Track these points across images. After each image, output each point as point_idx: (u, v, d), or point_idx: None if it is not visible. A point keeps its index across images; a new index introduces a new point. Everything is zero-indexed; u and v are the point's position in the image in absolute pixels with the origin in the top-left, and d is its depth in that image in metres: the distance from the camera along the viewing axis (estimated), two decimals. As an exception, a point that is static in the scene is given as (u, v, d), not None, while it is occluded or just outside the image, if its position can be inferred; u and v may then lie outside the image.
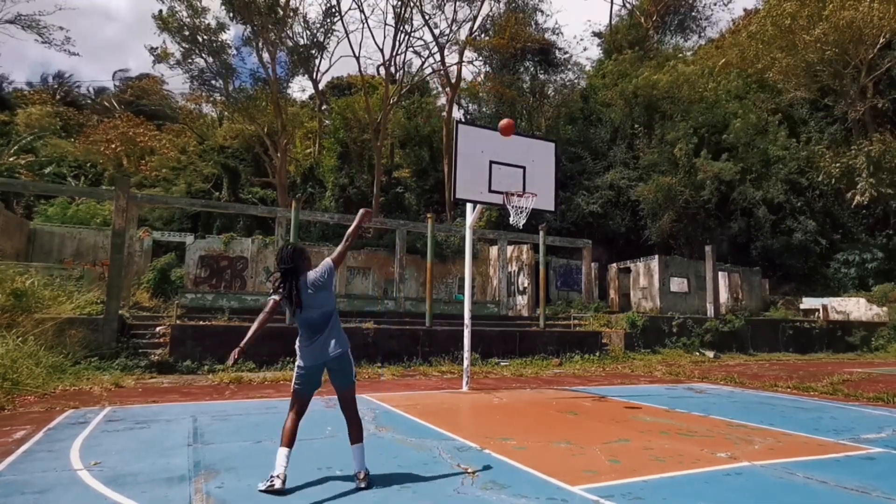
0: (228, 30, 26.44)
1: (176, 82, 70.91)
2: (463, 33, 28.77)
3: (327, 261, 3.96)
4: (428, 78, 33.65)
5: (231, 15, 25.13)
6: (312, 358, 3.81)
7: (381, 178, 28.37)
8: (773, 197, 25.77)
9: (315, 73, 29.54)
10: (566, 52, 32.09)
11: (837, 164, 24.49)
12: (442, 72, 30.79)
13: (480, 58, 30.96)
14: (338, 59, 57.27)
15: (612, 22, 40.02)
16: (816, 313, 22.17)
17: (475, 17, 28.69)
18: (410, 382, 10.08)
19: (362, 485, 3.76)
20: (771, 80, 28.18)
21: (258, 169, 32.07)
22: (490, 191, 8.92)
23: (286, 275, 3.78)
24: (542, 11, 31.61)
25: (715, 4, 50.19)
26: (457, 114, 32.27)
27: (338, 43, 36.87)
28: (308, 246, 20.64)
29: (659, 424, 6.21)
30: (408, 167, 33.28)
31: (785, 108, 29.19)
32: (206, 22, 25.23)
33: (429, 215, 15.29)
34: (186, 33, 24.98)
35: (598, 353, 14.99)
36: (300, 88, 66.32)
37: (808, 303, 23.41)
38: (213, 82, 27.34)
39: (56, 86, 44.74)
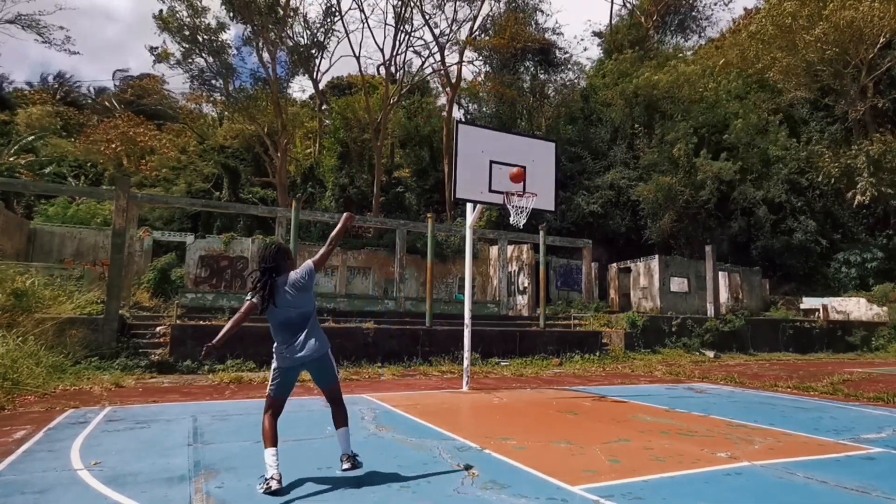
0: (228, 30, 26.48)
1: (176, 82, 70.96)
2: (463, 33, 28.83)
3: (308, 262, 3.96)
4: (428, 78, 33.67)
5: (231, 15, 25.13)
6: (291, 360, 3.81)
7: (382, 177, 28.37)
8: (774, 197, 25.77)
9: (315, 73, 29.57)
10: (566, 52, 32.14)
11: (837, 164, 24.49)
12: (442, 72, 30.80)
13: (480, 58, 31.00)
14: (338, 58, 57.36)
15: (613, 22, 40.04)
16: (816, 313, 22.17)
17: (475, 17, 28.72)
18: (410, 382, 10.08)
19: (346, 465, 3.83)
20: (771, 80, 28.19)
21: (258, 169, 32.08)
22: (490, 191, 8.92)
23: (265, 273, 3.80)
24: (542, 11, 31.65)
25: (715, 4, 50.12)
26: (457, 114, 32.31)
27: (338, 43, 36.89)
28: (308, 246, 20.65)
29: (659, 424, 6.21)
30: (408, 167, 33.28)
31: (785, 108, 29.20)
32: (207, 22, 25.25)
33: (429, 215, 15.29)
34: (186, 33, 24.98)
35: (598, 353, 14.98)
36: (300, 88, 66.44)
37: (808, 303, 23.41)
38: (214, 82, 27.35)
39: (56, 86, 44.74)
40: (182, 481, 3.85)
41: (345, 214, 4.24)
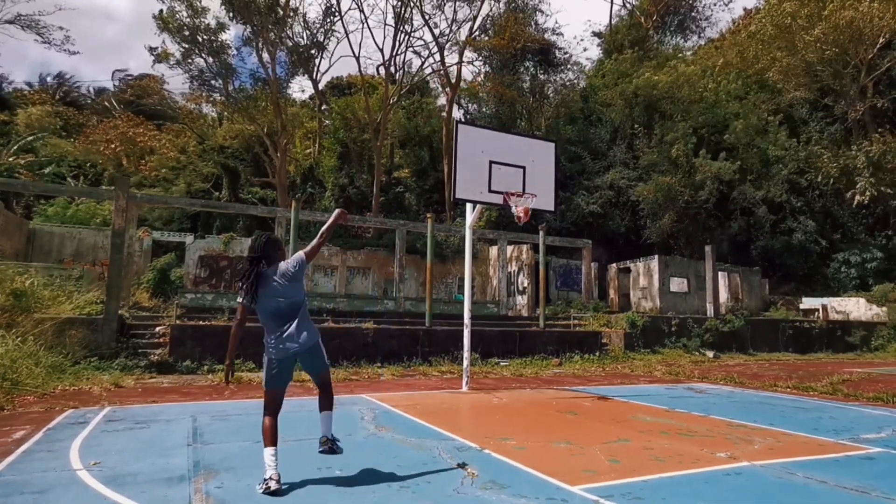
0: (228, 30, 26.46)
1: (176, 82, 70.95)
2: (463, 33, 28.81)
3: (300, 253, 3.99)
4: (428, 78, 33.66)
5: (231, 15, 25.13)
6: (283, 350, 3.82)
7: (381, 178, 28.37)
8: (774, 197, 25.78)
9: (315, 73, 29.56)
10: (566, 52, 32.13)
11: (835, 165, 24.52)
12: (442, 72, 30.79)
13: (480, 58, 30.98)
14: (338, 59, 57.27)
15: (612, 22, 40.04)
16: (816, 313, 22.18)
17: (475, 18, 28.71)
18: (410, 382, 10.08)
19: (323, 448, 3.91)
20: (771, 81, 28.20)
21: (258, 169, 32.06)
22: (490, 191, 8.92)
23: (252, 262, 3.82)
24: (542, 11, 31.62)
25: (715, 5, 50.32)
26: (457, 114, 32.31)
27: (338, 43, 36.87)
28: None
29: (659, 424, 6.21)
30: (408, 167, 33.28)
31: (785, 108, 29.21)
32: (206, 22, 25.23)
33: (429, 215, 15.29)
34: (186, 33, 24.97)
35: (597, 353, 14.99)
36: (300, 88, 66.44)
37: (807, 303, 23.41)
38: (213, 82, 27.33)
39: (56, 86, 44.73)
40: (182, 481, 3.85)
41: (337, 211, 4.26)
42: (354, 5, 28.23)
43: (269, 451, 3.65)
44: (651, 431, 5.79)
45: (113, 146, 30.79)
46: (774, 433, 5.83)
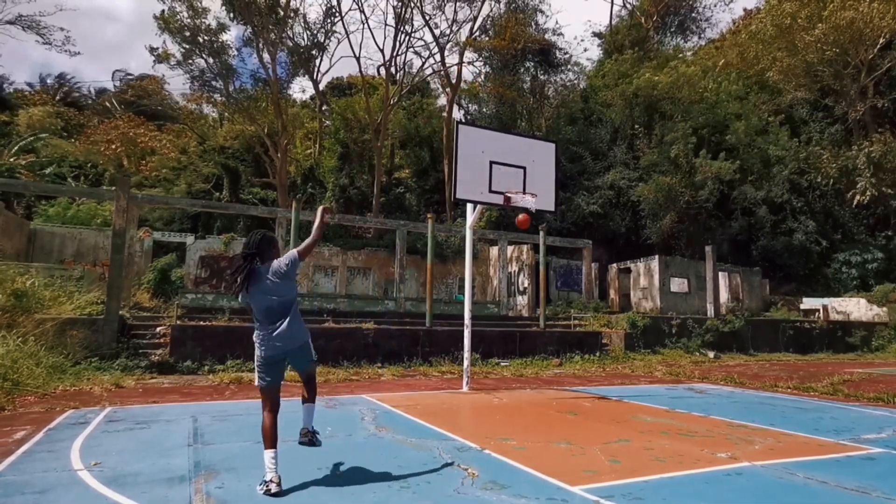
0: (229, 30, 26.47)
1: (176, 83, 71.03)
2: (463, 34, 28.81)
3: (293, 252, 4.00)
4: (428, 78, 33.65)
5: (231, 15, 25.14)
6: (273, 348, 3.84)
7: (382, 178, 28.38)
8: (774, 197, 25.77)
9: (315, 74, 29.58)
10: (566, 53, 32.11)
11: (834, 165, 24.52)
12: (442, 72, 30.80)
13: (481, 58, 30.97)
14: (338, 59, 57.32)
15: (613, 22, 40.04)
16: (817, 314, 22.16)
17: (475, 18, 28.71)
18: (410, 382, 10.08)
19: (303, 439, 3.98)
20: (771, 81, 28.19)
21: (258, 169, 32.07)
22: (490, 191, 8.92)
23: (246, 258, 3.84)
24: (542, 12, 31.57)
25: (715, 5, 50.24)
26: (457, 114, 32.30)
27: (338, 43, 36.76)
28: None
29: (659, 424, 6.21)
30: (408, 167, 33.28)
31: (785, 108, 29.20)
32: (207, 22, 25.24)
33: (429, 215, 15.29)
34: (187, 34, 24.99)
35: (598, 354, 14.98)
36: (300, 89, 66.34)
37: (808, 303, 23.40)
38: (214, 83, 27.34)
39: (56, 86, 44.77)
40: (182, 482, 3.85)
41: (320, 208, 4.27)
42: (355, 6, 28.26)
43: (269, 454, 3.65)
44: (651, 432, 5.79)
45: (114, 147, 30.82)
46: (775, 433, 5.83)
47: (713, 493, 3.79)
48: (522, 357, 13.79)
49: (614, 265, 24.62)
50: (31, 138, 29.99)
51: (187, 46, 25.38)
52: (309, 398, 4.21)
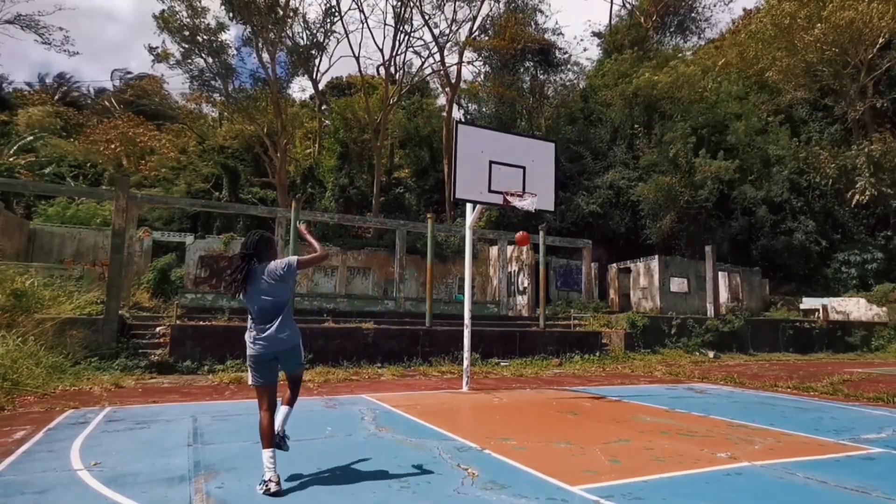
0: (228, 30, 26.45)
1: (176, 82, 70.99)
2: (463, 33, 28.80)
3: (294, 258, 4.05)
4: (428, 78, 33.65)
5: (231, 15, 25.12)
6: (261, 347, 3.88)
7: (381, 178, 28.37)
8: (774, 197, 25.77)
9: (315, 74, 29.56)
10: (566, 53, 32.13)
11: (833, 165, 24.53)
12: (442, 72, 30.78)
13: (480, 58, 30.98)
14: (338, 59, 57.18)
15: (612, 22, 40.05)
16: (816, 313, 22.17)
17: (475, 18, 28.69)
18: (410, 382, 10.08)
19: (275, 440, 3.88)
20: (771, 81, 28.19)
21: (258, 169, 32.06)
22: (490, 191, 8.92)
23: (244, 259, 3.89)
24: (542, 12, 31.57)
25: (715, 5, 50.33)
26: (457, 114, 32.30)
27: (338, 43, 36.79)
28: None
29: (659, 424, 6.21)
30: (408, 167, 33.27)
31: (785, 108, 29.21)
32: (206, 22, 25.22)
33: (429, 215, 15.28)
34: (186, 33, 24.97)
35: (598, 354, 14.98)
36: (300, 88, 66.28)
37: (808, 303, 23.41)
38: (213, 82, 27.33)
39: (56, 86, 44.74)
40: (182, 482, 3.85)
41: (298, 228, 4.31)
42: (354, 5, 28.18)
43: (267, 453, 3.66)
44: (651, 431, 5.79)
45: (113, 146, 30.80)
46: (775, 433, 5.83)
47: (713, 492, 3.79)
48: (522, 357, 13.78)
49: (614, 265, 24.62)
50: (31, 138, 29.97)
51: (186, 46, 25.37)
52: (291, 401, 4.18)
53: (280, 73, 28.73)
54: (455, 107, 31.84)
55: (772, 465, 4.47)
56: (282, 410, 4.07)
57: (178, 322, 11.97)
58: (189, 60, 25.99)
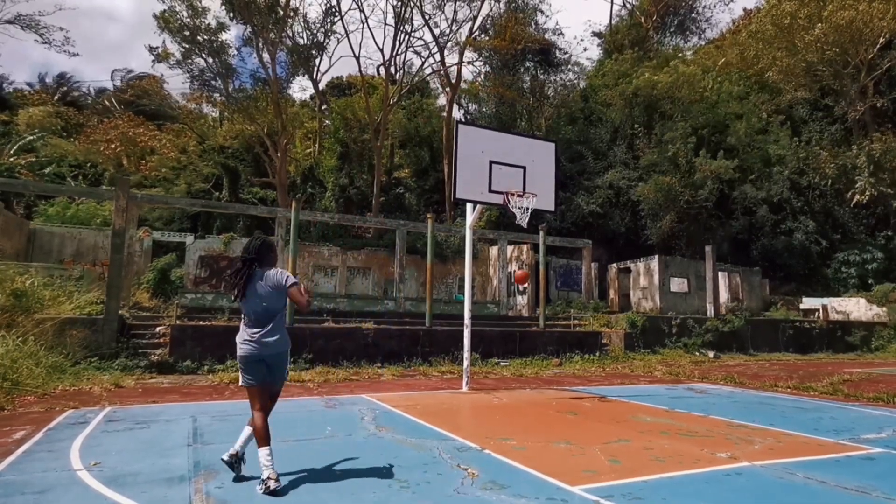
0: (228, 30, 26.43)
1: (176, 82, 71.03)
2: (463, 33, 28.79)
3: (290, 281, 3.93)
4: (428, 78, 33.62)
5: (231, 15, 25.11)
6: (251, 348, 3.89)
7: (382, 178, 28.36)
8: (774, 196, 25.77)
9: (315, 73, 29.54)
10: (566, 53, 32.13)
11: (832, 165, 24.53)
12: (442, 72, 30.77)
13: (480, 58, 30.97)
14: (338, 59, 57.19)
15: (613, 22, 40.05)
16: (816, 313, 22.16)
17: (475, 18, 28.66)
18: (410, 382, 10.08)
19: (226, 458, 3.83)
20: (771, 81, 28.18)
21: (258, 169, 32.05)
22: (490, 191, 8.92)
23: (245, 263, 3.91)
24: (542, 12, 31.54)
25: (715, 5, 50.30)
26: (457, 114, 32.28)
27: (338, 43, 36.82)
28: (308, 246, 20.66)
29: (659, 424, 6.21)
30: (408, 167, 33.26)
31: (785, 108, 29.21)
32: (207, 22, 25.21)
33: (429, 215, 15.28)
34: (187, 33, 24.96)
35: (598, 354, 14.98)
36: (300, 88, 66.39)
37: (808, 303, 23.40)
38: (213, 82, 27.31)
39: (56, 86, 44.75)
40: (182, 481, 3.85)
41: (290, 292, 3.99)
42: (354, 5, 28.21)
43: (263, 451, 3.67)
44: (651, 432, 5.79)
45: (113, 146, 30.79)
46: (775, 433, 5.83)
47: (713, 492, 3.79)
48: (522, 357, 13.78)
49: (614, 265, 24.61)
50: (31, 138, 29.97)
51: (187, 46, 25.35)
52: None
53: (280, 73, 28.74)
54: (455, 107, 31.84)
55: (772, 465, 4.46)
56: (245, 431, 3.96)
57: (177, 322, 11.97)
58: (189, 60, 25.98)
